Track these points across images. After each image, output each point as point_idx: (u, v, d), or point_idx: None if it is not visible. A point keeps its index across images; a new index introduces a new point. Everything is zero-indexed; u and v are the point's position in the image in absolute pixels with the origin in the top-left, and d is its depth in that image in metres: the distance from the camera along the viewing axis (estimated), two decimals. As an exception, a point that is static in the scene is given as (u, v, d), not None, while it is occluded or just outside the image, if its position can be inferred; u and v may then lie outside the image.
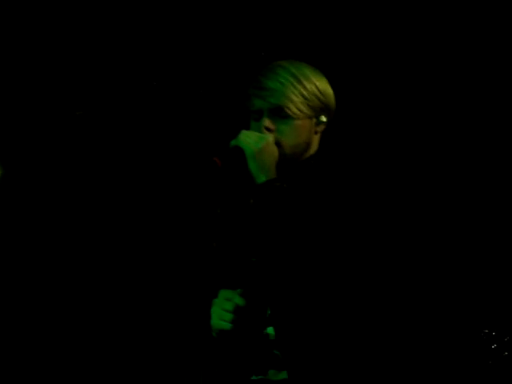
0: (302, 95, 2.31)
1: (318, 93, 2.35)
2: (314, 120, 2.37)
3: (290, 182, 2.32)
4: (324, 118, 2.38)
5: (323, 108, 2.37)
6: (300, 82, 2.32)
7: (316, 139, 2.41)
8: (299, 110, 2.31)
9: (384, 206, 2.26)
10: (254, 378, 2.31)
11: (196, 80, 4.27)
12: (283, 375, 2.26)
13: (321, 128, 2.40)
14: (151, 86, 4.31)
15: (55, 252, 4.51)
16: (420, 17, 3.94)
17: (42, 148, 4.51)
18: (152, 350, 4.40)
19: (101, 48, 4.30)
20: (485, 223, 3.85)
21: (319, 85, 2.36)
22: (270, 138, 2.30)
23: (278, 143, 2.31)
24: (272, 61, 2.45)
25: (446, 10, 3.87)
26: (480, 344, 3.64)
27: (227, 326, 2.28)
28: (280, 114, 2.31)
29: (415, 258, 3.81)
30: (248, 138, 2.28)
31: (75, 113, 4.44)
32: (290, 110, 2.30)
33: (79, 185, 4.54)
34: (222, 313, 2.29)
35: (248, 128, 2.38)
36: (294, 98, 2.30)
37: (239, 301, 2.27)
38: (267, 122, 2.32)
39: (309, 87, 2.33)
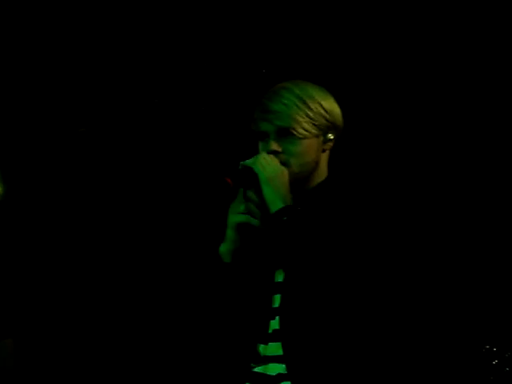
0: (307, 115, 2.32)
1: (323, 112, 2.35)
2: (322, 138, 2.38)
3: (307, 206, 2.35)
4: (331, 136, 2.39)
5: (330, 126, 2.38)
6: (304, 103, 2.33)
7: (324, 157, 2.42)
8: (305, 130, 2.32)
9: (398, 220, 2.28)
10: (254, 366, 2.33)
11: (201, 98, 4.28)
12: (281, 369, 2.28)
13: (329, 146, 2.41)
14: (155, 104, 4.32)
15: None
16: (422, 31, 3.96)
17: (45, 164, 4.52)
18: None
19: (105, 65, 4.31)
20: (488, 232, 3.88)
21: (324, 104, 2.36)
22: (285, 171, 2.33)
23: (286, 163, 2.33)
24: (273, 77, 2.47)
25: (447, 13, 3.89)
26: (481, 359, 3.65)
27: (243, 218, 2.32)
28: (286, 135, 2.33)
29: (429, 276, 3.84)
30: (265, 163, 2.30)
31: (78, 130, 4.45)
32: (295, 130, 2.31)
33: (84, 202, 4.55)
34: (237, 207, 2.34)
35: (255, 149, 2.40)
36: (300, 119, 2.32)
37: (252, 196, 2.31)
38: (274, 145, 2.34)
39: (313, 107, 2.33)
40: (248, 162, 2.32)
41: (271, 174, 2.28)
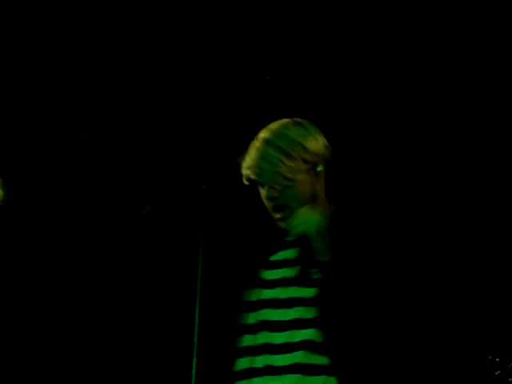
0: (291, 165, 2.40)
1: (307, 155, 2.42)
2: (312, 172, 2.45)
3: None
4: (320, 168, 2.45)
5: (316, 162, 2.44)
6: (286, 154, 2.40)
7: (320, 185, 2.49)
8: (291, 178, 2.41)
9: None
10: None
11: (202, 102, 4.28)
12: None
13: (321, 175, 2.48)
14: (155, 108, 4.32)
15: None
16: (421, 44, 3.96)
17: (46, 168, 4.53)
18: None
19: (107, 69, 4.31)
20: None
21: (308, 144, 2.43)
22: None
23: (285, 205, 2.42)
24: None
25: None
26: (484, 370, 3.65)
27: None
28: (278, 184, 2.41)
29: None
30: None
31: (79, 135, 4.46)
32: (283, 180, 2.41)
33: (84, 208, 4.55)
34: None
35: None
36: (284, 171, 2.39)
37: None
38: (270, 193, 2.42)
39: (296, 155, 2.41)
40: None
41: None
